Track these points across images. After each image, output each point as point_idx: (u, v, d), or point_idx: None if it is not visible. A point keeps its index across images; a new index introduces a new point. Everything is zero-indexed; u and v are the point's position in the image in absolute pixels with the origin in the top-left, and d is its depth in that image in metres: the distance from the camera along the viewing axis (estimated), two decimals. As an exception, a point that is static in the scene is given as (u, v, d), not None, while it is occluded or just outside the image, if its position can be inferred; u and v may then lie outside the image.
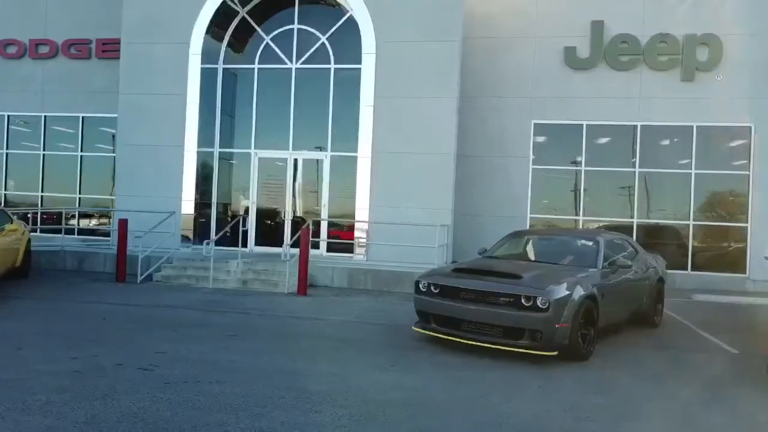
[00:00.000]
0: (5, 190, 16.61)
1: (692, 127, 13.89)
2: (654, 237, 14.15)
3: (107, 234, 15.19)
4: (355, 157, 13.34)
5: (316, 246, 13.62)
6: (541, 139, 14.63)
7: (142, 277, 11.65)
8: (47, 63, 16.19)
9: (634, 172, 14.22)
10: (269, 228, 14.35)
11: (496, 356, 6.71)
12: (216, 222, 14.24)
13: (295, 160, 14.24)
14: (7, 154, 16.60)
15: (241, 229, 12.88)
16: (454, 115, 12.97)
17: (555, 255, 8.28)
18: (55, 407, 4.67)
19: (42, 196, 16.34)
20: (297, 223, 13.85)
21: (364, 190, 13.22)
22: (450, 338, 7.07)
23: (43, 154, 16.37)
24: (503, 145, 14.53)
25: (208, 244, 11.98)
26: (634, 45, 13.88)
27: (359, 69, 13.27)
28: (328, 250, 13.78)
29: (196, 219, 13.97)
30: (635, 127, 14.12)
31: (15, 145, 16.62)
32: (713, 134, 13.88)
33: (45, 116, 16.28)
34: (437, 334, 7.23)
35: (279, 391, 5.31)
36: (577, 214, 14.57)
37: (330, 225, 14.05)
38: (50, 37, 16.10)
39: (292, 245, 11.93)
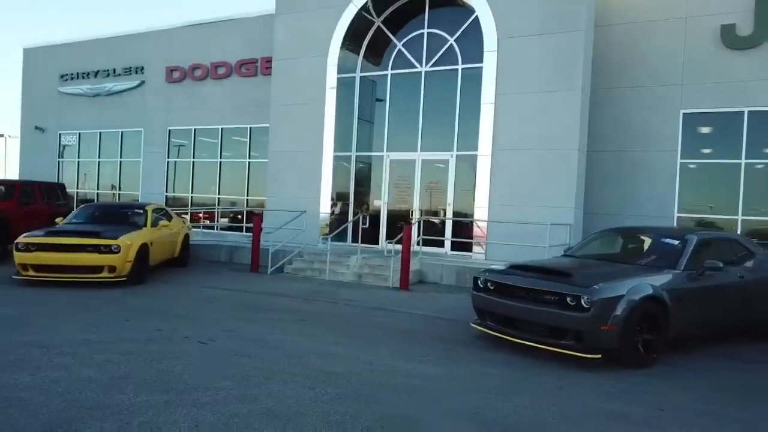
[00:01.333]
0: (192, 192, 19.49)
1: None
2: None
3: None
4: (477, 156, 13.36)
5: (440, 244, 13.94)
6: (691, 130, 13.15)
7: (273, 268, 12.97)
8: (224, 82, 18.67)
9: (812, 165, 12.13)
10: (399, 226, 14.90)
11: (542, 356, 6.47)
12: (348, 220, 15.18)
13: (423, 161, 14.62)
14: (193, 162, 19.47)
15: (361, 226, 13.65)
16: (578, 108, 12.30)
17: (636, 254, 7.66)
18: (107, 365, 5.68)
19: (218, 198, 18.87)
20: (421, 221, 14.20)
21: (484, 188, 13.19)
22: (501, 336, 6.95)
23: (220, 162, 18.90)
24: (645, 138, 13.36)
25: (326, 240, 12.92)
26: (808, 15, 11.85)
27: (482, 67, 13.26)
28: (452, 248, 13.95)
29: (331, 217, 15.08)
30: (813, 112, 12.05)
31: (200, 154, 19.42)
32: None
33: (221, 128, 18.79)
34: (491, 332, 7.13)
35: (295, 368, 5.79)
36: (736, 214, 12.81)
37: (455, 224, 14.18)
38: (226, 59, 18.55)
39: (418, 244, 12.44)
